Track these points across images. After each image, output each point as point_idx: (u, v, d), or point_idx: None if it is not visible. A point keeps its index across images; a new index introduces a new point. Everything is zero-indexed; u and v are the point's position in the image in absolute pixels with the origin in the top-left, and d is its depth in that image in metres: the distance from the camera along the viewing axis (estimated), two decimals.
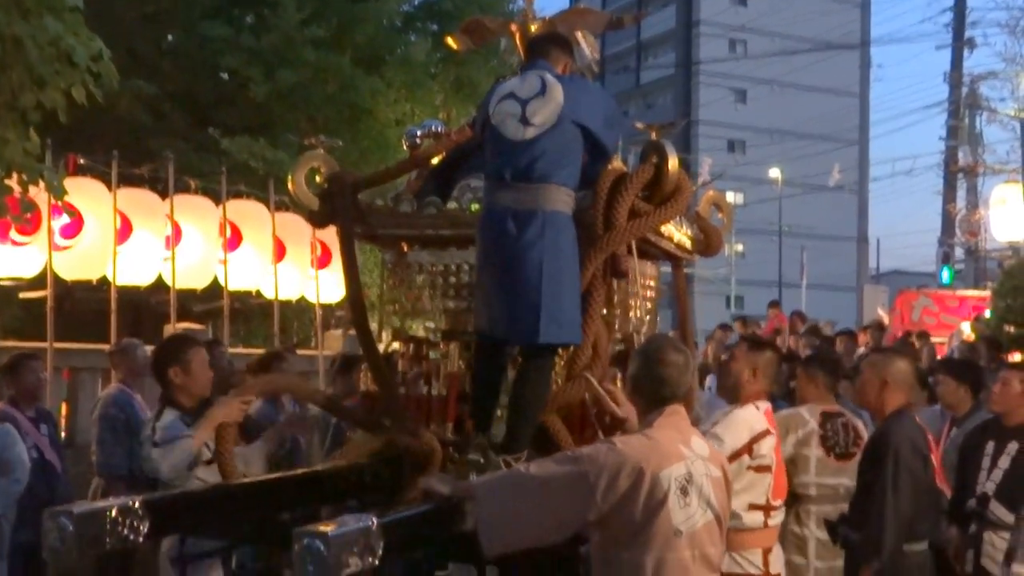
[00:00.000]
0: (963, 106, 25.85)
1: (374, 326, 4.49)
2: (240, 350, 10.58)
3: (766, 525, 4.00)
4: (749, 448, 3.96)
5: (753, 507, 3.95)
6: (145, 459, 4.36)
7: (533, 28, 4.27)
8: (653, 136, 3.95)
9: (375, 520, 2.76)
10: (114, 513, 2.80)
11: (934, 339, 13.38)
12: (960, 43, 26.31)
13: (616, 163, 3.86)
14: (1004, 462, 4.98)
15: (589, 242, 3.70)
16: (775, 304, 16.96)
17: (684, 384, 3.32)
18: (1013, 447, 4.95)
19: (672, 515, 3.04)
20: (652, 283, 4.51)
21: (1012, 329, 12.03)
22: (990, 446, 5.04)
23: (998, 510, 4.86)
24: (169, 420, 4.45)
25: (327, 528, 2.66)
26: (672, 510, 3.04)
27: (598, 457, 3.06)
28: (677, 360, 3.26)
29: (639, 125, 4.22)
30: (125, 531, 2.81)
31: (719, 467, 3.29)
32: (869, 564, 3.96)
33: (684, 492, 3.08)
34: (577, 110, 3.62)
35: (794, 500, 4.83)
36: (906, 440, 4.04)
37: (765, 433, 4.07)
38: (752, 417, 4.10)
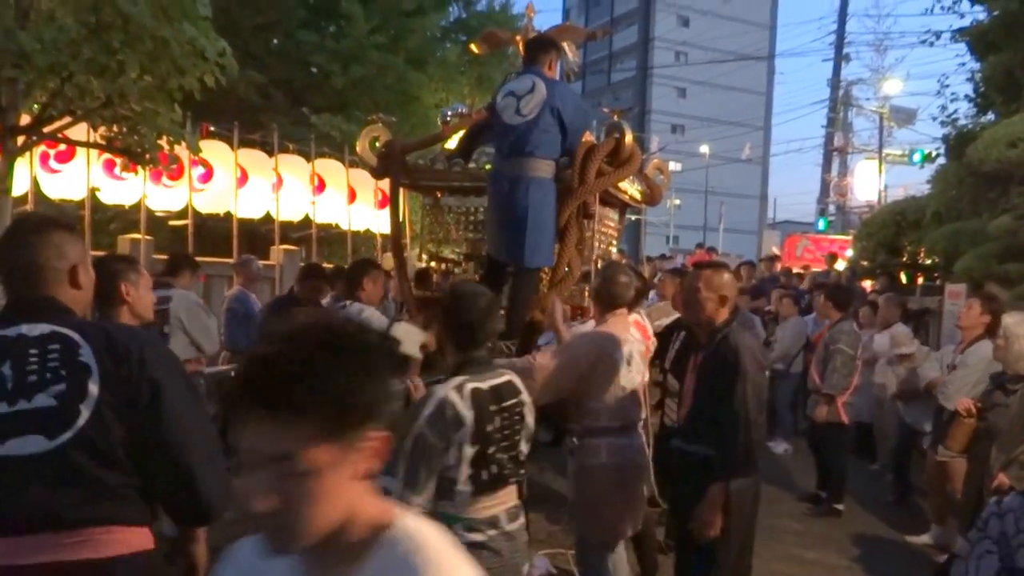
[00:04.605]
0: (839, 103, 25.63)
1: (417, 251, 4.48)
2: (325, 265, 10.59)
3: None
4: None
5: None
6: None
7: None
8: (615, 118, 3.92)
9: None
10: (233, 374, 2.83)
11: (812, 269, 13.37)
12: (839, 57, 25.94)
13: (588, 137, 3.83)
14: None
15: (567, 193, 3.68)
16: (700, 245, 17.96)
17: (628, 295, 3.38)
18: None
19: (621, 378, 3.15)
20: (613, 224, 4.50)
21: (865, 263, 12.01)
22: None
23: None
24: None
25: None
26: (621, 375, 3.15)
27: (579, 346, 3.17)
28: (624, 279, 3.31)
29: (605, 109, 4.17)
30: None
31: (645, 345, 3.42)
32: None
33: (628, 363, 3.18)
34: (555, 103, 3.58)
35: None
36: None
37: None
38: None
